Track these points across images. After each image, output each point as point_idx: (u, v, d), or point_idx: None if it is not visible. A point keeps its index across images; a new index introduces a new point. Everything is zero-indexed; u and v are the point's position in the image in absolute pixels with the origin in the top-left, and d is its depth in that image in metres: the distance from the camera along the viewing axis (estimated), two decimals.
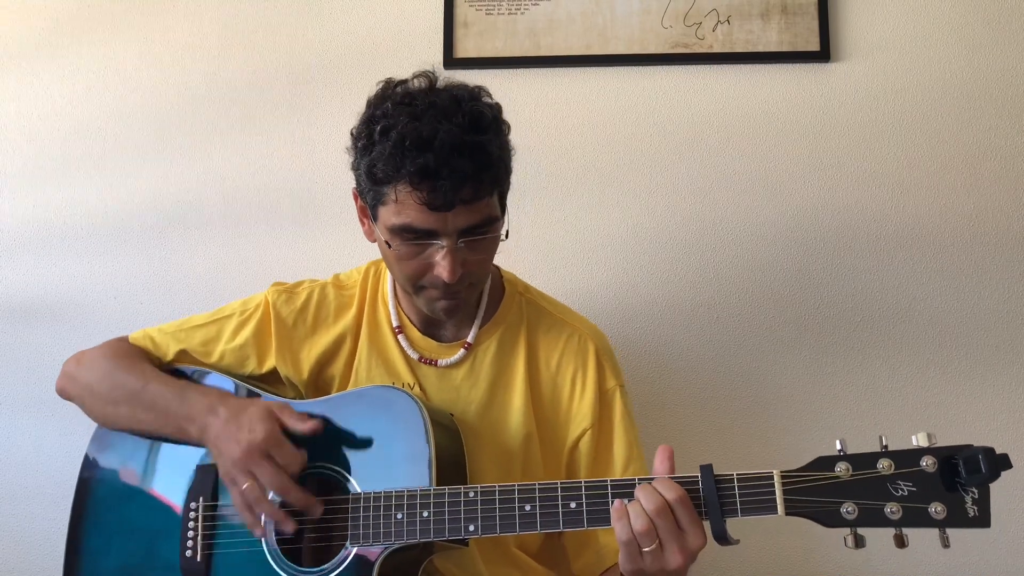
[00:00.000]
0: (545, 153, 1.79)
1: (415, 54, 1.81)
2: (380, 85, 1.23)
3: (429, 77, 1.21)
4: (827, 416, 1.74)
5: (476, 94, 1.20)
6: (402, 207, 1.15)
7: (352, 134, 1.23)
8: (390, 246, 1.18)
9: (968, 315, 1.74)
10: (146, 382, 1.29)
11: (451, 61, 1.79)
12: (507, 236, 1.23)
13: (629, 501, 1.05)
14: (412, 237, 1.17)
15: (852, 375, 1.75)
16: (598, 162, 1.80)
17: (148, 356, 1.37)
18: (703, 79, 1.79)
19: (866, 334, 1.75)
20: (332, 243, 1.79)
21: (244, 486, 1.16)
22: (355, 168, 1.22)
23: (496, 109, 1.21)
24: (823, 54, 1.77)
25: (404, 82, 1.21)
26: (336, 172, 1.80)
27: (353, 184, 1.26)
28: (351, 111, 1.81)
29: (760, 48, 1.78)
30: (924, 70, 1.78)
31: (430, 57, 1.79)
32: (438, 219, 1.14)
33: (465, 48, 1.81)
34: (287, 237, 1.81)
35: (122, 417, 1.31)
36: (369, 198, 1.20)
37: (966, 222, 1.74)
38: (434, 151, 1.10)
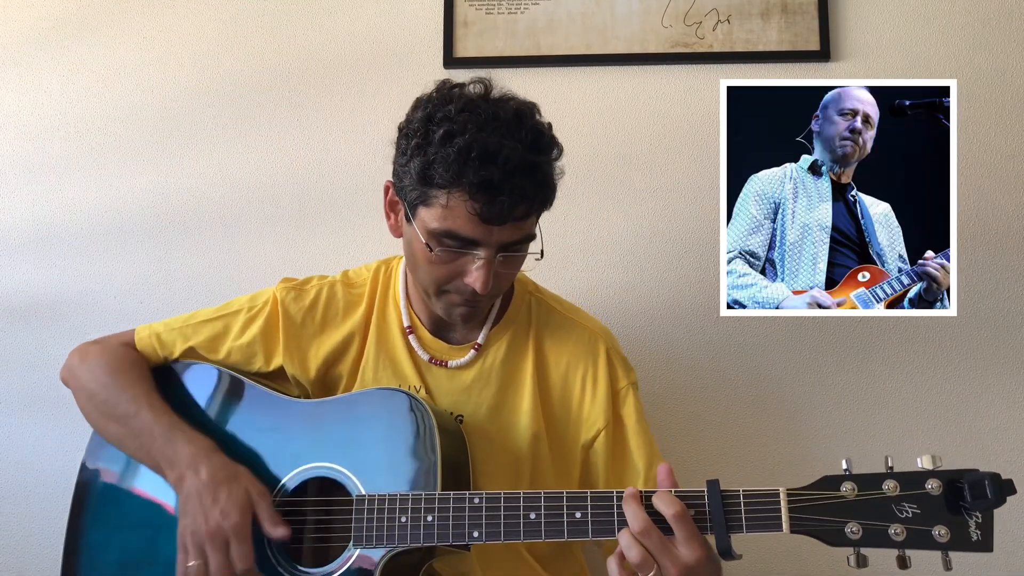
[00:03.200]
0: None
1: (415, 54, 1.81)
2: (435, 84, 1.22)
3: (485, 84, 1.21)
4: (828, 416, 1.75)
5: (534, 110, 1.20)
6: (451, 213, 1.14)
7: (400, 129, 1.22)
8: (431, 248, 1.17)
9: (968, 315, 1.74)
10: (138, 409, 1.27)
11: (451, 61, 1.79)
12: (542, 256, 1.23)
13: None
14: (453, 244, 1.17)
15: (853, 374, 1.75)
16: (598, 162, 1.80)
17: (152, 362, 1.36)
18: (703, 79, 1.79)
19: (867, 334, 1.75)
20: (332, 242, 1.79)
21: (190, 563, 1.16)
22: (400, 164, 1.20)
23: (550, 128, 1.21)
24: (823, 54, 1.77)
25: (462, 85, 1.21)
26: (336, 172, 1.81)
27: (388, 177, 1.24)
28: (351, 110, 1.82)
29: (760, 48, 1.79)
30: (924, 70, 1.78)
31: (430, 57, 1.80)
32: (485, 231, 1.15)
33: (465, 48, 1.81)
34: (287, 236, 1.81)
35: (112, 435, 1.31)
36: (411, 196, 1.19)
37: (966, 221, 1.74)
38: (499, 166, 1.11)
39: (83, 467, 1.35)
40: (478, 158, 1.10)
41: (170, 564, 1.23)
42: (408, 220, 1.21)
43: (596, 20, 1.81)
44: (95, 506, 1.32)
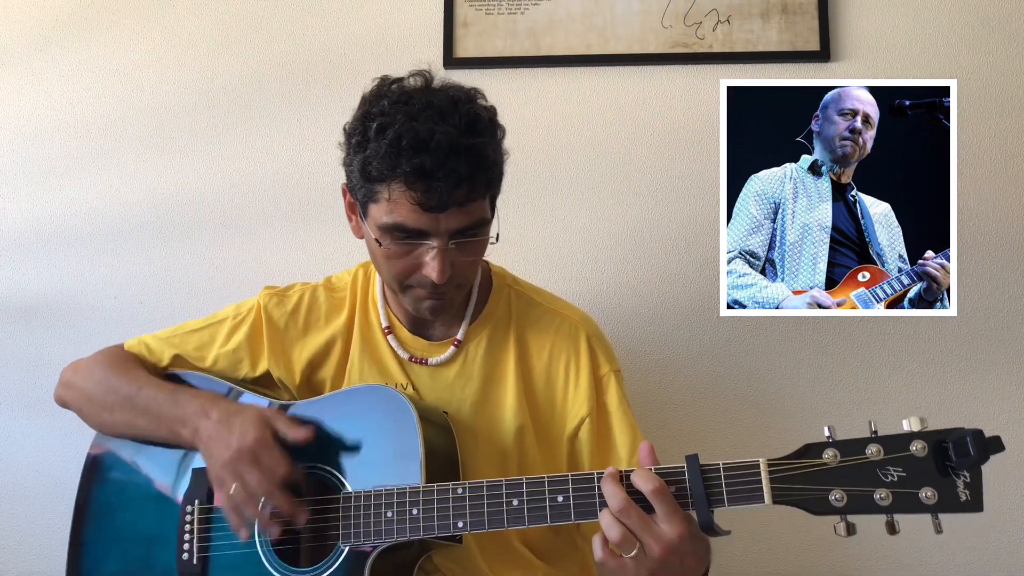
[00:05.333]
0: (545, 153, 1.79)
1: (415, 54, 1.79)
2: (375, 82, 1.23)
3: (425, 76, 1.21)
4: (828, 416, 1.73)
5: (472, 95, 1.20)
6: (394, 206, 1.15)
7: (345, 130, 1.23)
8: (380, 244, 1.18)
9: (968, 315, 1.74)
10: (139, 387, 1.30)
11: (451, 61, 1.79)
12: (497, 239, 1.23)
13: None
14: (403, 236, 1.17)
15: (852, 374, 1.75)
16: (598, 162, 1.80)
17: (143, 362, 1.37)
18: (703, 79, 1.79)
19: (867, 334, 1.75)
20: (331, 243, 1.78)
21: (231, 489, 1.17)
22: (347, 164, 1.22)
23: (491, 112, 1.21)
24: (823, 54, 1.77)
25: (400, 80, 1.21)
26: (336, 172, 1.80)
27: (343, 180, 1.26)
28: (350, 111, 1.81)
29: (760, 48, 1.79)
30: (924, 70, 1.78)
31: (430, 57, 1.79)
32: (430, 220, 1.14)
33: (465, 48, 1.81)
34: (287, 237, 1.82)
35: (118, 423, 1.32)
36: (360, 195, 1.20)
37: (966, 221, 1.74)
38: (430, 152, 1.10)
39: (81, 481, 1.36)
40: (409, 146, 1.11)
41: (167, 571, 1.25)
42: (363, 219, 1.22)
43: (596, 20, 1.81)
44: (95, 518, 1.34)
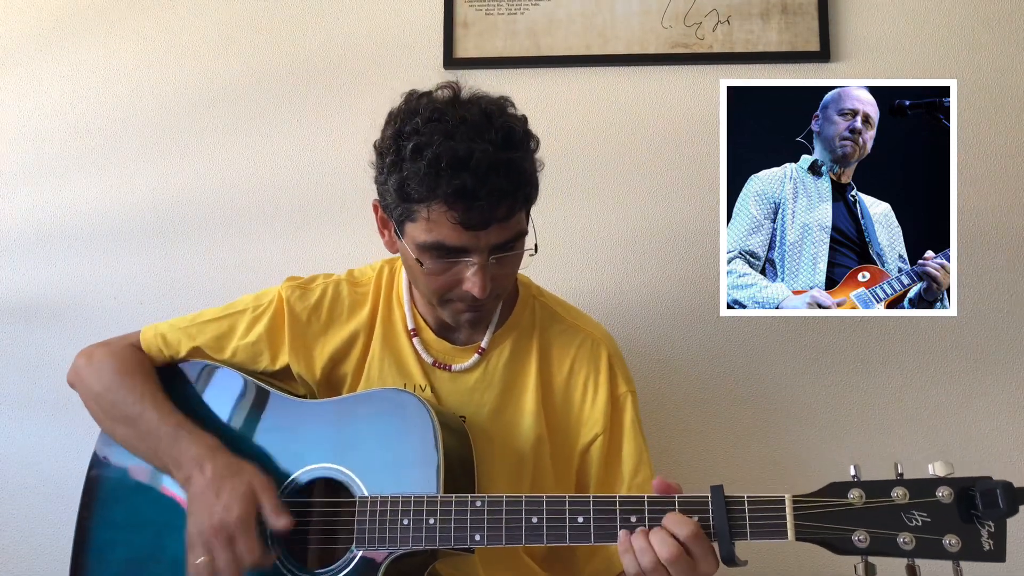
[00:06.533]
0: (544, 153, 1.77)
1: (415, 54, 1.81)
2: (403, 97, 1.21)
3: (453, 88, 1.19)
4: (828, 416, 1.74)
5: (503, 105, 1.19)
6: (434, 225, 1.14)
7: (376, 148, 1.21)
8: (421, 264, 1.18)
9: (969, 315, 1.73)
10: (143, 410, 1.27)
11: (451, 61, 1.79)
12: (536, 250, 1.23)
13: (633, 532, 1.06)
14: (443, 254, 1.16)
15: (852, 374, 1.75)
16: (598, 162, 1.80)
17: (157, 362, 1.36)
18: (703, 79, 1.79)
19: (867, 334, 1.75)
20: (332, 243, 1.79)
21: (198, 560, 1.16)
22: (380, 183, 1.20)
23: (523, 122, 1.20)
24: (823, 54, 1.77)
25: (428, 93, 1.20)
26: (336, 172, 1.81)
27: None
28: (351, 111, 1.82)
29: (760, 48, 1.79)
30: (924, 70, 1.78)
31: (430, 57, 1.80)
32: (471, 237, 1.14)
33: (465, 48, 1.81)
34: (287, 237, 1.81)
35: (119, 435, 1.31)
36: (396, 214, 1.18)
37: (966, 221, 1.74)
38: (471, 171, 1.09)
39: (91, 466, 1.34)
40: (449, 167, 1.09)
41: (176, 562, 1.23)
42: (399, 236, 1.21)
43: (596, 20, 1.81)
44: (103, 504, 1.32)
